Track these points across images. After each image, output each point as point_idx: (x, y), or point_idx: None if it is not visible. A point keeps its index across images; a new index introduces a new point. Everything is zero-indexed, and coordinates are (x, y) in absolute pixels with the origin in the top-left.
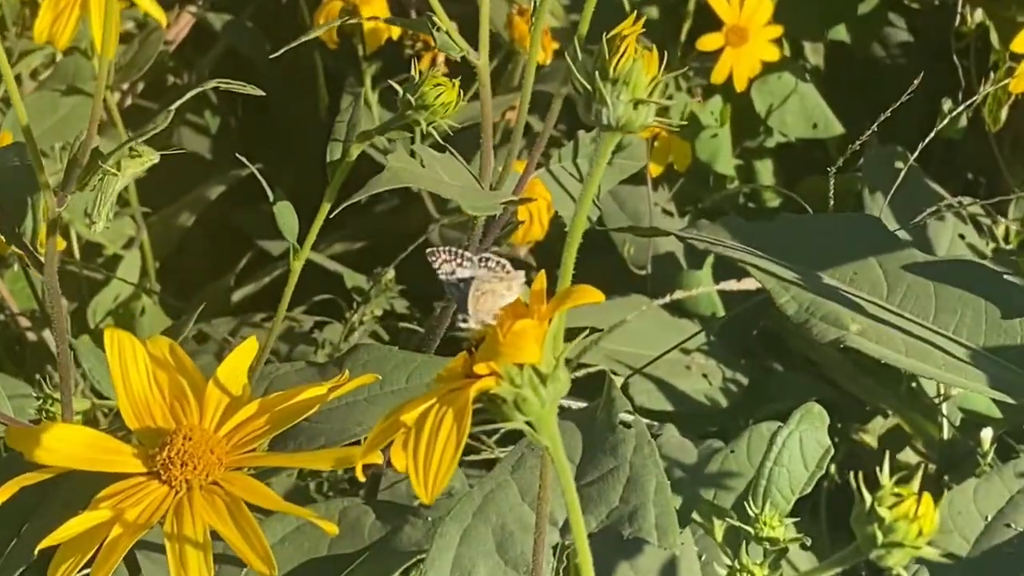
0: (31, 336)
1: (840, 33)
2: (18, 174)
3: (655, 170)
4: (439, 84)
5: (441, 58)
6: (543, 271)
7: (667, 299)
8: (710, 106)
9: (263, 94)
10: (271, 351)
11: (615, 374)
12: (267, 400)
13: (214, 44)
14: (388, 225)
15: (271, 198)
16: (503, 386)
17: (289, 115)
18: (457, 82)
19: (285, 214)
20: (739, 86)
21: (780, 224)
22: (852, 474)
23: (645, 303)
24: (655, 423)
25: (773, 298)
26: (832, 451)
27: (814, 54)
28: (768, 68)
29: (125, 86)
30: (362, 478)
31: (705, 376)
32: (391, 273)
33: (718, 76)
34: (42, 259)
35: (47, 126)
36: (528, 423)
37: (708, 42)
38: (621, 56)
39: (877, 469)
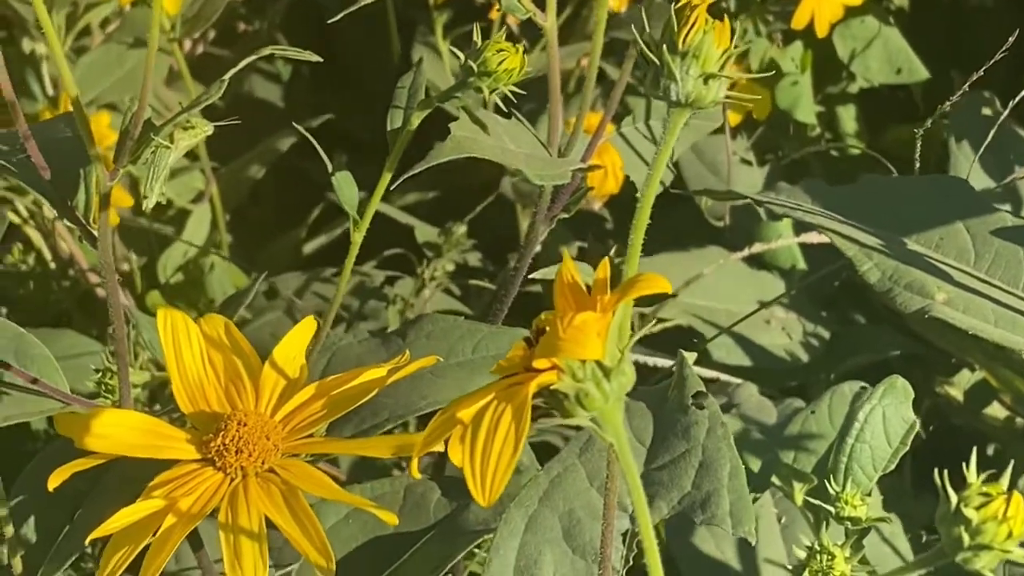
0: (100, 292)
1: None
2: (70, 145)
3: (734, 119)
4: (502, 49)
5: None
6: (606, 259)
7: (746, 252)
8: (790, 52)
9: (319, 60)
10: (342, 307)
11: (691, 329)
12: (325, 383)
13: None
14: (461, 174)
15: (330, 168)
16: (564, 381)
17: (361, 62)
18: (521, 47)
19: (344, 185)
20: (821, 31)
21: (862, 187)
22: (937, 471)
23: (723, 255)
24: (733, 380)
25: (855, 265)
26: (916, 426)
27: None
28: (850, 12)
29: (196, 34)
30: (417, 475)
31: (785, 330)
32: (463, 227)
33: (799, 21)
34: (96, 232)
35: (114, 79)
36: (592, 418)
37: None
38: (691, 28)
39: (964, 465)
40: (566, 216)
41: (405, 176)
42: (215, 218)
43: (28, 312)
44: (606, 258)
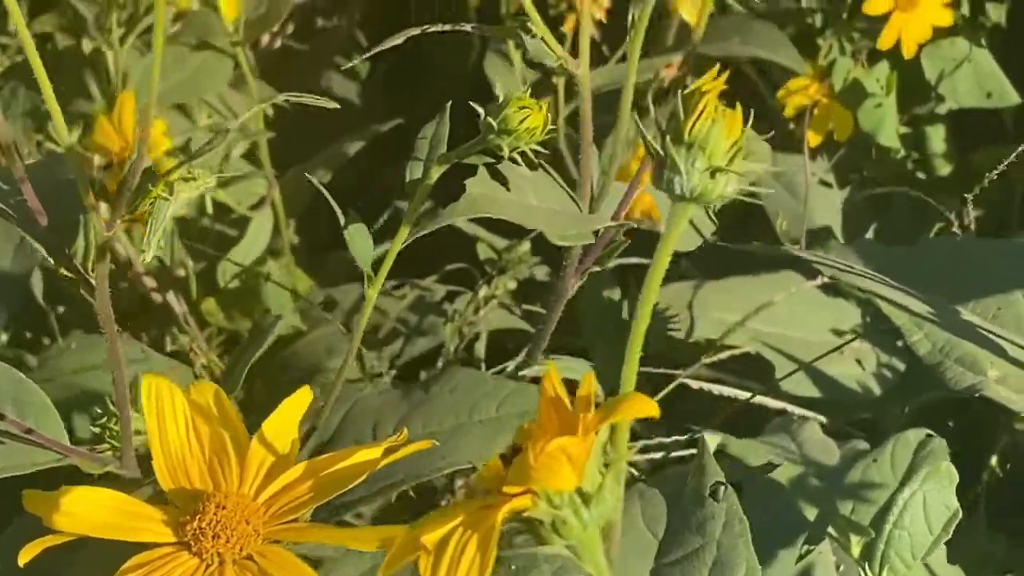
0: (157, 297)
1: None
2: (71, 188)
3: (814, 139)
4: (525, 107)
5: (585, 21)
6: (591, 374)
7: (820, 281)
8: (875, 73)
9: (337, 106)
10: (398, 321)
11: (761, 356)
12: (315, 462)
13: None
14: None
15: (342, 221)
16: (540, 507)
17: (437, 65)
18: (545, 104)
19: (357, 239)
20: (908, 52)
21: (920, 248)
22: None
23: (797, 281)
24: (797, 414)
25: (904, 335)
26: (959, 514)
27: (996, 11)
28: (939, 32)
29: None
30: None
31: (858, 361)
32: (526, 245)
33: (885, 42)
34: (94, 282)
35: (176, 81)
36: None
37: (875, 5)
38: (698, 116)
39: None
40: (598, 270)
41: (417, 234)
42: (277, 223)
43: (85, 313)
44: (590, 373)
